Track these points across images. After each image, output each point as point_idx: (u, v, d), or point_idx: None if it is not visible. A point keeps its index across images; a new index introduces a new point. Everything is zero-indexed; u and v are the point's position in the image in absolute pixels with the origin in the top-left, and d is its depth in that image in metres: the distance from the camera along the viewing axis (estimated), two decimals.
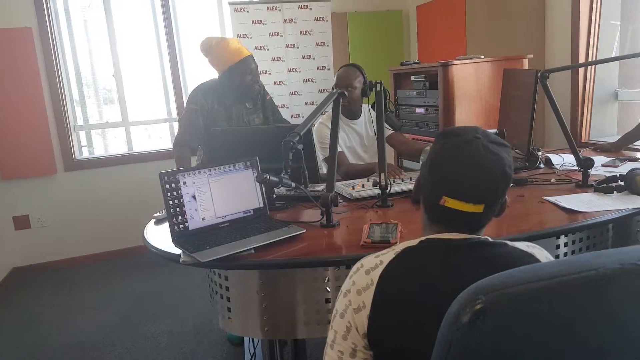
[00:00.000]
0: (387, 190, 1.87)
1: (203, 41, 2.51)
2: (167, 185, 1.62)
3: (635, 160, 2.39)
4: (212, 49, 2.46)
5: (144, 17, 4.28)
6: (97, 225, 4.16)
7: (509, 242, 1.01)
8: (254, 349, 2.22)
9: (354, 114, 2.64)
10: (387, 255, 0.99)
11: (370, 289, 0.95)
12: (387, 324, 0.94)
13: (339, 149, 2.40)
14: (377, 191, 1.91)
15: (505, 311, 0.70)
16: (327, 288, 1.57)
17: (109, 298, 3.46)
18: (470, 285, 0.75)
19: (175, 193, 1.63)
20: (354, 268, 1.02)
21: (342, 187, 2.10)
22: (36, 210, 4.04)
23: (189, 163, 2.54)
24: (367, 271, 0.98)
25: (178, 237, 1.63)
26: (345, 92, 1.92)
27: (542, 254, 1.03)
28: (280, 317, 1.62)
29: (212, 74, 2.60)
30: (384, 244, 1.45)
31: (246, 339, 2.48)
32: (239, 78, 2.46)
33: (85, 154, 4.34)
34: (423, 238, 1.01)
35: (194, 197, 1.66)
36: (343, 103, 2.50)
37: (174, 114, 4.38)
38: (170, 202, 1.63)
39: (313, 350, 2.41)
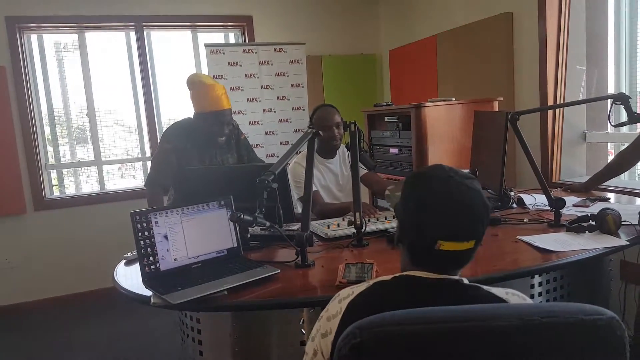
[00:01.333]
0: (363, 230, 1.86)
1: (191, 76, 2.50)
2: (139, 225, 1.58)
3: (605, 200, 2.46)
4: (196, 88, 2.46)
5: (120, 57, 4.30)
6: (67, 266, 4.03)
7: (483, 287, 1.01)
8: None
9: (329, 153, 2.66)
10: (360, 286, 1.02)
11: (337, 317, 0.98)
12: None
13: (314, 188, 2.40)
14: (352, 230, 1.90)
15: (380, 348, 0.75)
16: (302, 330, 1.54)
17: (80, 341, 3.34)
18: None
19: (146, 233, 1.59)
20: (334, 296, 1.05)
21: (317, 226, 2.09)
22: (4, 250, 3.90)
23: (161, 202, 2.49)
24: (340, 300, 1.01)
25: (149, 278, 1.58)
26: (321, 132, 1.94)
27: (519, 301, 1.00)
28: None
29: (188, 111, 2.59)
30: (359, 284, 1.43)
31: None
32: (209, 127, 2.45)
33: (56, 193, 4.24)
34: (397, 274, 1.03)
35: (165, 237, 1.62)
36: (333, 141, 2.53)
37: (148, 153, 4.35)
38: (142, 242, 1.58)
39: None
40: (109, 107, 4.31)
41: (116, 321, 3.58)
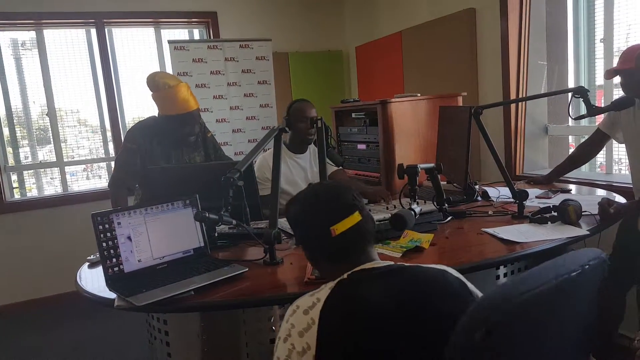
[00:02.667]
0: None
1: (151, 78, 2.39)
2: (100, 227, 1.54)
3: (566, 191, 2.53)
4: (159, 91, 2.37)
5: (81, 55, 4.18)
6: (31, 270, 3.91)
7: (422, 265, 1.10)
8: None
9: (300, 148, 2.65)
10: (322, 292, 1.01)
11: (312, 328, 0.95)
12: (335, 359, 0.94)
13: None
14: None
15: (509, 322, 0.80)
16: (272, 327, 1.52)
17: (44, 346, 3.24)
18: (405, 304, 0.93)
19: (109, 234, 1.55)
20: (289, 311, 1.02)
21: (285, 223, 2.07)
22: None
23: (125, 203, 2.43)
24: (305, 311, 0.98)
25: (112, 280, 1.54)
26: (287, 128, 1.92)
27: (452, 270, 1.10)
28: None
29: (153, 110, 2.53)
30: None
31: None
32: (178, 128, 2.39)
33: (17, 196, 4.09)
34: (350, 272, 1.05)
35: (129, 238, 1.58)
36: (308, 135, 2.52)
37: (112, 153, 4.24)
38: (104, 244, 1.54)
39: None
40: (71, 106, 4.18)
41: (84, 324, 3.49)
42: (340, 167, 2.52)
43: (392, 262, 1.11)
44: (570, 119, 2.33)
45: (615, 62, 2.60)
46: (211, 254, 1.76)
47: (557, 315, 0.88)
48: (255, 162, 2.61)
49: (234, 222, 1.58)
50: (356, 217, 1.09)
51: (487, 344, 0.77)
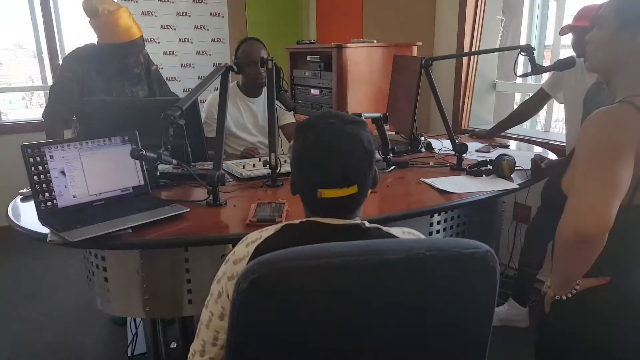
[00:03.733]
0: (277, 170, 1.87)
1: (86, 1, 2.22)
2: (31, 159, 1.48)
3: (505, 146, 2.64)
4: (98, 18, 2.21)
5: None
6: None
7: (383, 228, 1.05)
8: (136, 328, 2.14)
9: (253, 91, 2.58)
10: (268, 231, 1.02)
11: (244, 260, 0.98)
12: None
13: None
14: (267, 171, 1.90)
15: (275, 284, 0.78)
16: (214, 266, 1.54)
17: None
18: None
19: (40, 168, 1.49)
20: (241, 240, 1.05)
21: (233, 166, 2.06)
22: None
23: (61, 136, 2.32)
24: (247, 244, 1.01)
25: (45, 215, 1.50)
26: (234, 67, 1.86)
27: (412, 235, 1.08)
28: (162, 297, 1.59)
29: (90, 36, 2.37)
30: (270, 222, 1.46)
31: (129, 319, 2.38)
32: (121, 58, 2.27)
33: None
34: (304, 219, 1.04)
35: (62, 172, 1.53)
36: (257, 79, 2.44)
37: (50, 81, 3.97)
38: (35, 178, 1.48)
39: None
40: (5, 28, 3.82)
41: (17, 261, 3.40)
42: (292, 112, 2.49)
43: (354, 221, 1.03)
44: (516, 76, 2.38)
45: (566, 22, 2.66)
46: (153, 193, 1.73)
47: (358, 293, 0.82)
48: (204, 101, 2.54)
49: (175, 161, 1.55)
50: (351, 190, 0.99)
51: (250, 298, 0.77)
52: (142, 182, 1.71)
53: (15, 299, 2.91)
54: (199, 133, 1.92)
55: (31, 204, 1.67)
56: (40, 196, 1.49)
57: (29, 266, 3.33)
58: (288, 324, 0.80)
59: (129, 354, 2.25)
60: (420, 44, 3.19)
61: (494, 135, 2.87)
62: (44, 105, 2.43)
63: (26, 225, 1.52)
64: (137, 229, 1.43)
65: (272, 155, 1.84)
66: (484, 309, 0.91)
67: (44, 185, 1.50)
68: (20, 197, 1.81)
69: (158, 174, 1.82)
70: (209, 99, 2.55)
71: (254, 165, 2.07)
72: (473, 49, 3.26)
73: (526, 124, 3.15)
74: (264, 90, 2.61)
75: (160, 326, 2.12)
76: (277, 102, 2.06)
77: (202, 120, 2.21)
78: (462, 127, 3.36)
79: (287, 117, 2.70)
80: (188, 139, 1.70)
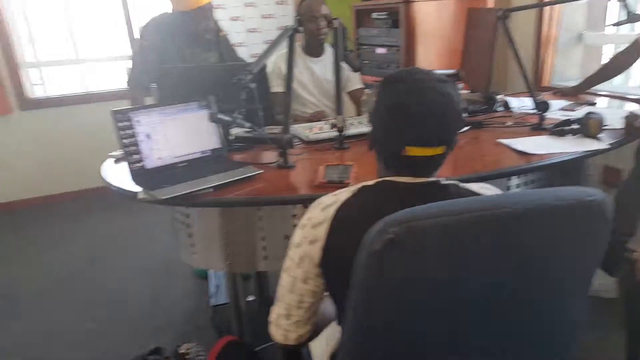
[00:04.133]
0: (344, 133, 1.87)
1: None
2: (120, 124, 1.59)
3: (592, 104, 2.44)
4: None
5: None
6: (56, 165, 4.07)
7: (459, 183, 1.04)
8: (219, 281, 2.30)
9: (315, 50, 2.58)
10: (343, 194, 1.02)
11: (324, 224, 0.99)
12: (338, 256, 0.97)
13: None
14: (334, 133, 1.91)
15: (413, 242, 0.75)
16: (285, 225, 1.61)
17: (75, 237, 3.47)
18: None
19: (129, 131, 1.60)
20: (313, 204, 1.05)
21: (300, 129, 2.09)
22: None
23: (142, 103, 2.47)
24: (324, 208, 1.01)
25: (136, 175, 1.62)
26: (299, 28, 1.85)
27: (490, 190, 1.06)
28: (240, 252, 1.68)
29: (164, 4, 2.46)
30: (338, 184, 1.48)
31: (210, 272, 2.54)
32: (192, 25, 2.36)
33: (40, 92, 4.14)
34: (380, 179, 1.03)
35: (148, 136, 1.64)
36: (319, 35, 2.44)
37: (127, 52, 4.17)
38: (125, 141, 1.60)
39: (275, 283, 2.49)
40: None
41: (109, 219, 3.70)
42: (358, 72, 2.45)
43: (431, 178, 1.02)
44: (607, 26, 2.17)
45: None
46: (228, 155, 1.81)
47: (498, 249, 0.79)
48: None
49: (248, 124, 1.60)
50: (439, 150, 0.98)
51: (383, 257, 0.75)
52: (219, 145, 1.79)
53: (110, 253, 3.19)
54: (268, 97, 1.96)
55: (120, 166, 1.82)
56: (130, 158, 1.61)
57: (118, 224, 3.62)
58: (418, 282, 0.79)
59: (212, 304, 2.43)
60: None
61: (581, 91, 2.65)
62: (127, 74, 2.57)
63: (119, 185, 1.64)
64: (217, 188, 1.51)
65: (339, 117, 1.85)
66: (593, 261, 0.88)
67: (133, 147, 1.61)
68: (112, 159, 1.95)
69: (233, 137, 1.89)
70: (272, 58, 2.56)
71: (320, 129, 2.09)
72: None
73: (617, 79, 2.88)
74: (326, 50, 2.60)
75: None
76: (342, 62, 2.04)
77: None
78: (544, 84, 3.15)
79: (354, 82, 2.67)
80: (257, 103, 1.74)
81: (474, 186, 1.05)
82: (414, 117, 0.95)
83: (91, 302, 2.63)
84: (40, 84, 4.14)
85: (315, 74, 2.61)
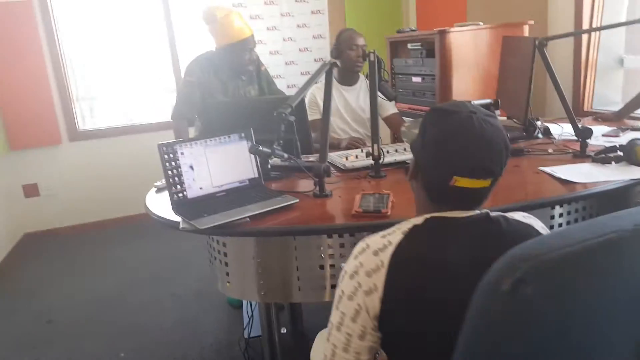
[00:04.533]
0: (380, 161, 1.88)
1: (207, 10, 2.49)
2: (166, 156, 1.66)
3: (636, 129, 2.36)
4: (216, 22, 2.46)
5: None
6: (100, 193, 4.24)
7: (507, 215, 1.02)
8: (252, 311, 2.30)
9: (349, 80, 2.66)
10: (394, 236, 0.98)
11: (381, 271, 0.94)
12: (400, 307, 0.94)
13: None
14: (370, 162, 1.92)
15: (544, 278, 0.70)
16: (321, 255, 1.61)
17: (114, 263, 3.58)
18: (481, 261, 0.77)
19: (173, 163, 1.67)
20: (359, 248, 1.00)
21: (336, 157, 2.12)
22: (44, 178, 4.12)
23: (186, 134, 2.57)
24: (375, 252, 0.96)
25: (177, 205, 1.67)
26: (338, 62, 1.91)
27: (538, 224, 1.04)
28: (275, 282, 1.68)
29: (208, 43, 2.59)
30: (375, 213, 1.48)
31: (244, 303, 2.56)
32: (236, 57, 2.49)
33: (89, 124, 4.36)
34: (428, 216, 1.00)
35: (191, 167, 1.70)
36: (357, 63, 2.56)
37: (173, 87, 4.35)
38: (169, 172, 1.66)
39: (308, 316, 2.50)
40: (133, 43, 4.25)
41: (147, 246, 3.80)
42: (393, 101, 2.49)
43: (478, 211, 1.00)
44: None
45: None
46: (265, 184, 1.85)
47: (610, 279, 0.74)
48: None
49: (286, 155, 1.63)
50: (486, 183, 0.97)
51: (515, 297, 0.68)
52: (257, 175, 1.83)
53: (145, 280, 3.26)
54: (306, 128, 2.01)
55: (163, 195, 1.88)
56: (173, 188, 1.67)
57: (156, 251, 3.70)
58: (554, 321, 0.71)
59: (246, 335, 2.43)
60: (532, 22, 2.98)
61: (624, 116, 2.58)
62: (167, 108, 2.70)
63: (161, 214, 1.70)
64: (253, 217, 1.54)
65: (375, 146, 1.86)
66: None
67: (176, 178, 1.68)
68: (155, 189, 2.02)
69: (269, 167, 1.93)
70: (309, 92, 2.64)
71: (356, 157, 2.11)
72: (595, 23, 2.96)
73: None
74: (360, 80, 2.66)
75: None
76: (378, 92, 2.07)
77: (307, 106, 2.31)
78: (585, 109, 3.08)
79: (389, 108, 2.71)
80: (295, 133, 1.78)
81: (517, 215, 1.03)
82: (466, 148, 0.94)
83: (125, 330, 2.67)
84: (89, 116, 4.36)
85: (349, 102, 2.67)
